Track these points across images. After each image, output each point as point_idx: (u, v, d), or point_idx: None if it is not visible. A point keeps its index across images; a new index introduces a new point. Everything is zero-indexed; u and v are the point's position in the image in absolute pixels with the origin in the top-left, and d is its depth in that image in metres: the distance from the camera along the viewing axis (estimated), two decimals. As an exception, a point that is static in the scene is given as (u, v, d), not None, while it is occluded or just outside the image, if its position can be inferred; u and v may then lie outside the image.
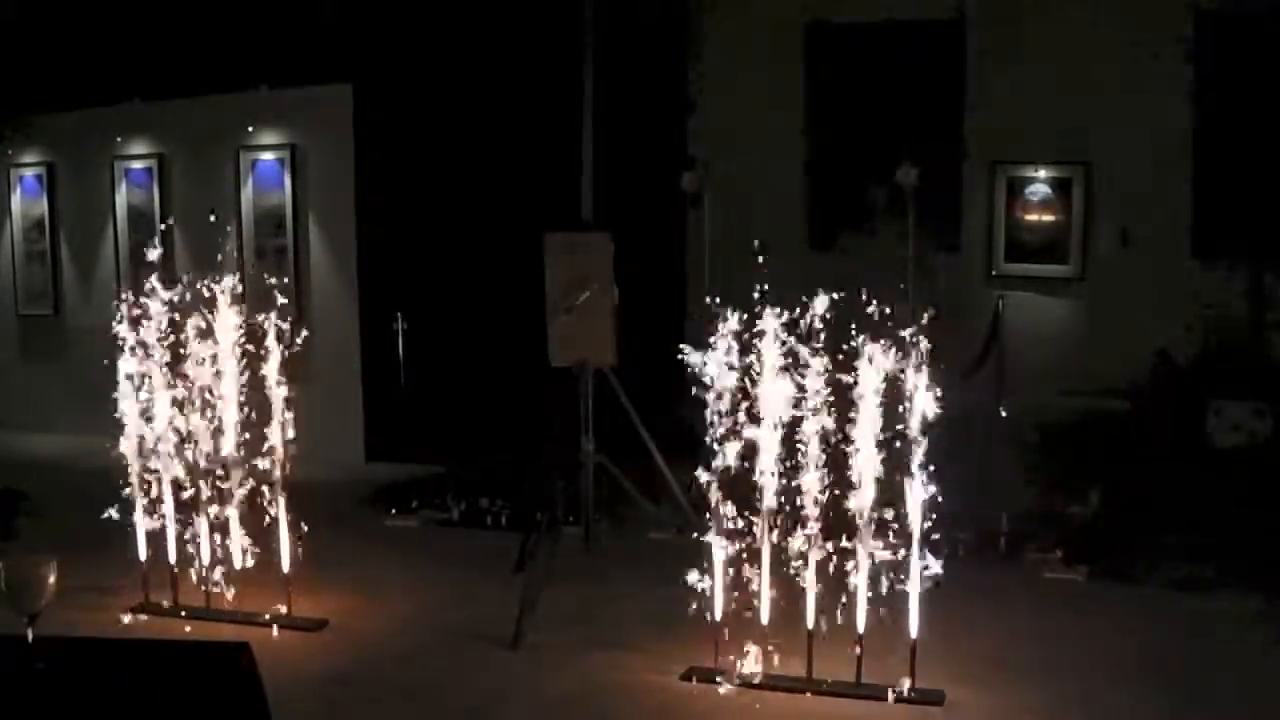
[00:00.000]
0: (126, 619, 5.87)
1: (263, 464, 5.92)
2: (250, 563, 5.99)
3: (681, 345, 5.10)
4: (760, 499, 5.00)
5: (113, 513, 5.92)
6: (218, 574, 5.96)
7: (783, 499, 4.97)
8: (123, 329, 5.87)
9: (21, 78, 10.21)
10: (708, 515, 5.09)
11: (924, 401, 4.79)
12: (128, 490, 5.97)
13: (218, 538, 6.00)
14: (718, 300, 5.05)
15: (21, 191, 10.90)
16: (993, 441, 7.22)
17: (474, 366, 8.88)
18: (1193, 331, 8.61)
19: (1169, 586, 6.23)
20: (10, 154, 10.81)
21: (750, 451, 4.99)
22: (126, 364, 5.89)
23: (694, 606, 5.10)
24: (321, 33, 9.12)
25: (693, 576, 5.06)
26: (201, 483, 5.96)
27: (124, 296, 5.97)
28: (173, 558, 6.00)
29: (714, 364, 4.95)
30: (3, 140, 10.58)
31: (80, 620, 5.58)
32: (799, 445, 4.92)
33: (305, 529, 5.93)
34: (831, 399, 4.88)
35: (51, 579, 2.92)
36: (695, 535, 5.17)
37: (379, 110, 9.15)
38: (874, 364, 4.82)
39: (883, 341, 4.82)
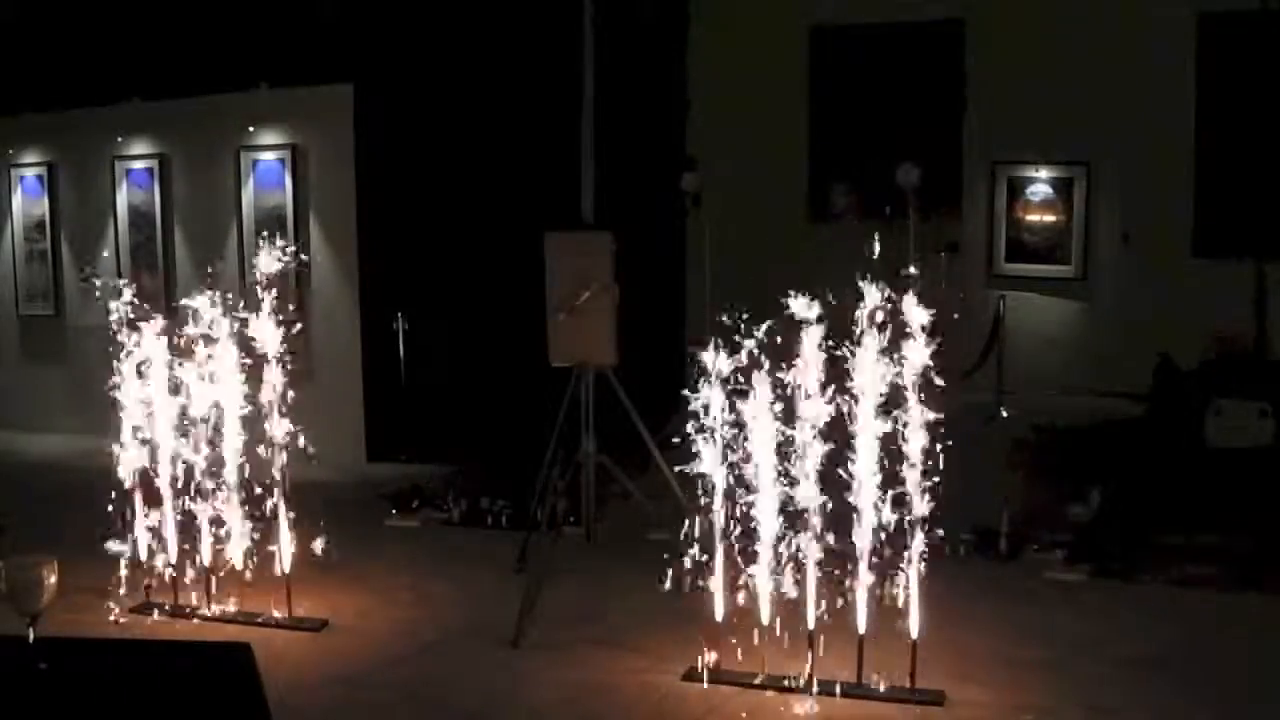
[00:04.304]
0: (126, 619, 5.87)
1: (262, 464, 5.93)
2: (251, 562, 5.99)
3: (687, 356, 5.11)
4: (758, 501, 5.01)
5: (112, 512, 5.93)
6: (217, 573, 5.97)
7: (782, 499, 4.98)
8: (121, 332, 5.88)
9: (22, 77, 10.21)
10: (704, 516, 5.09)
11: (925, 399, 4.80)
12: (128, 490, 5.97)
13: (218, 538, 6.00)
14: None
15: (22, 191, 10.89)
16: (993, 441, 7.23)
17: (475, 366, 8.88)
18: (1194, 331, 8.60)
19: (1169, 586, 6.22)
20: (11, 154, 10.81)
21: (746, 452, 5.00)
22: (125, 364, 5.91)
23: (691, 601, 5.12)
24: (321, 33, 9.11)
25: (692, 577, 5.08)
26: (201, 482, 5.96)
27: (121, 300, 5.95)
28: (173, 558, 6.00)
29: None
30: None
31: (80, 620, 5.60)
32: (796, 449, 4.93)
33: (305, 529, 5.94)
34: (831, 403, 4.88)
35: (52, 579, 2.92)
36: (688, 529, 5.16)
37: (379, 110, 9.14)
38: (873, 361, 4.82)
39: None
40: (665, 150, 9.93)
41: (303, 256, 6.04)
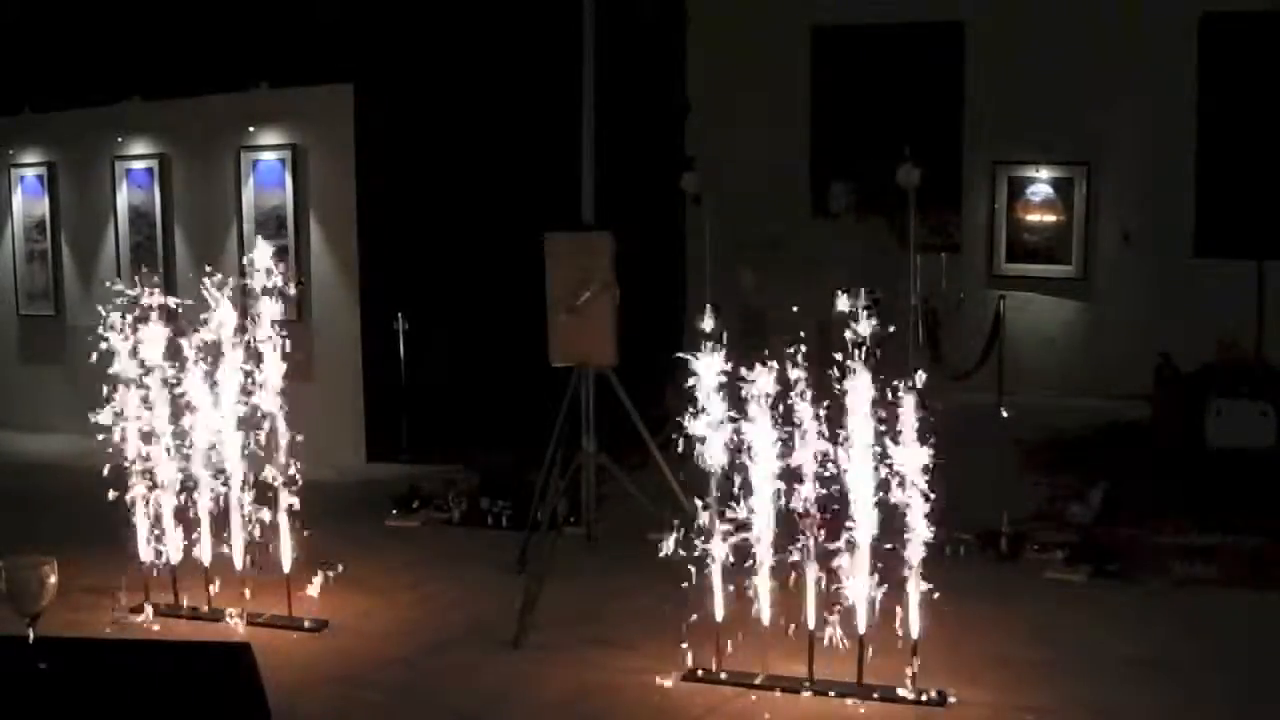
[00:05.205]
0: (126, 619, 5.87)
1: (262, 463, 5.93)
2: (251, 563, 5.99)
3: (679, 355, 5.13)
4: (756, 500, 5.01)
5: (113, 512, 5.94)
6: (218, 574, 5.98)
7: (781, 499, 4.98)
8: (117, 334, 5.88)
9: (22, 77, 10.21)
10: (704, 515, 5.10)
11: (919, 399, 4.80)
12: (128, 490, 5.97)
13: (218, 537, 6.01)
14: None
15: (22, 191, 10.90)
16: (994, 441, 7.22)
17: (475, 367, 8.88)
18: (1194, 331, 8.61)
19: (1169, 586, 6.22)
20: (11, 154, 10.81)
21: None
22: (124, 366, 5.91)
23: (691, 612, 5.12)
24: (321, 33, 9.11)
25: (692, 577, 5.09)
26: (202, 482, 5.97)
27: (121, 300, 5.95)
28: (173, 558, 6.00)
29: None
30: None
31: (80, 620, 5.60)
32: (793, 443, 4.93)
33: (306, 529, 5.94)
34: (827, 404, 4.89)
35: (52, 579, 2.92)
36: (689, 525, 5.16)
37: (379, 110, 9.14)
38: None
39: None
40: (665, 150, 9.93)
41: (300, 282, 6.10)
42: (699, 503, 5.14)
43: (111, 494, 5.91)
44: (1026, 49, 9.43)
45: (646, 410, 6.91)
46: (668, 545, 5.09)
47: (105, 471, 5.94)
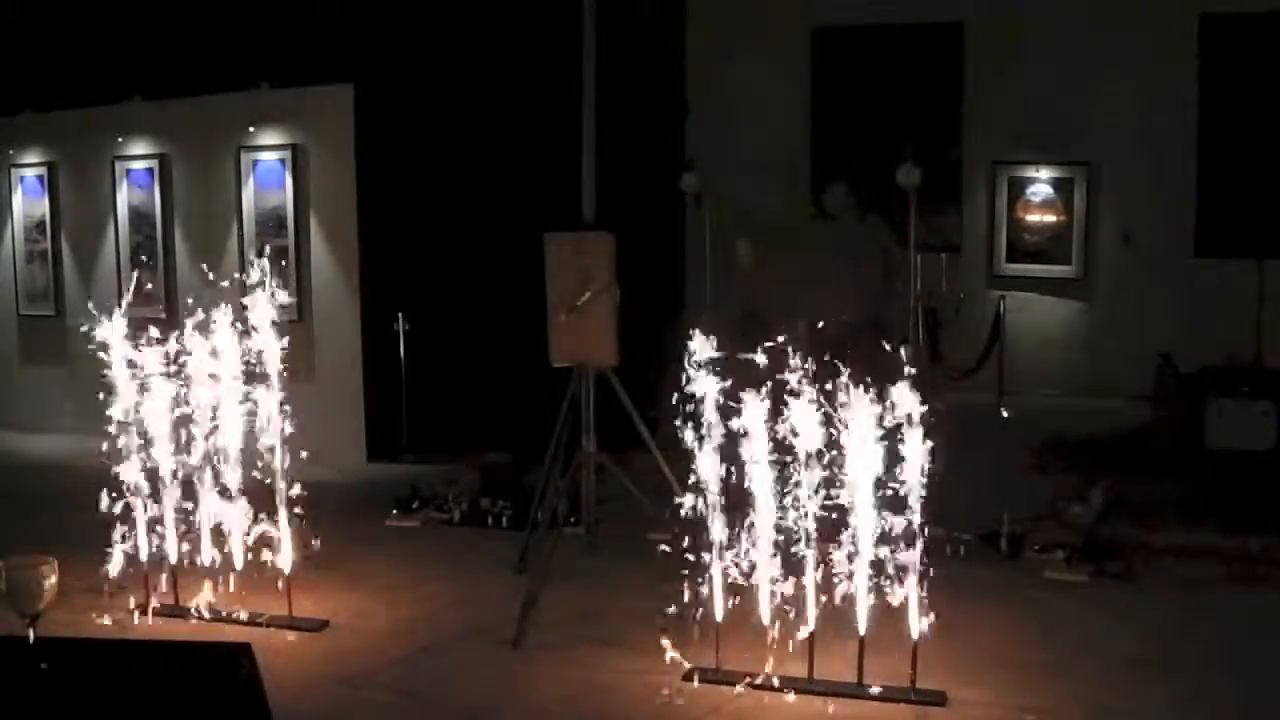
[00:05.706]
0: (126, 619, 5.87)
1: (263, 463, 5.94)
2: (251, 563, 6.00)
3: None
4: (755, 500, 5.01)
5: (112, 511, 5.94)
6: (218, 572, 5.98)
7: (780, 498, 4.98)
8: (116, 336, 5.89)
9: (22, 77, 10.22)
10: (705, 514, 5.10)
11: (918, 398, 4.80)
12: (127, 490, 5.97)
13: (218, 537, 6.01)
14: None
15: (22, 191, 10.90)
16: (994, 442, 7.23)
17: (475, 367, 8.88)
18: (1194, 332, 8.62)
19: (1169, 586, 6.22)
20: (11, 154, 10.82)
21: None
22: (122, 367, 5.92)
23: (691, 608, 5.12)
24: (322, 33, 9.11)
25: (692, 577, 5.10)
26: (202, 482, 5.97)
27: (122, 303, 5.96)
28: (173, 558, 6.00)
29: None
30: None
31: (80, 620, 5.60)
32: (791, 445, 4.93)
33: (306, 528, 5.95)
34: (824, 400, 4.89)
35: (52, 579, 2.92)
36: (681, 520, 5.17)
37: (380, 110, 9.15)
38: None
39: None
40: (665, 150, 9.94)
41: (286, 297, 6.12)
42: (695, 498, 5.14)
43: (112, 494, 5.92)
44: (1026, 49, 9.43)
45: (646, 410, 6.91)
46: (675, 509, 5.10)
47: (104, 463, 5.95)
